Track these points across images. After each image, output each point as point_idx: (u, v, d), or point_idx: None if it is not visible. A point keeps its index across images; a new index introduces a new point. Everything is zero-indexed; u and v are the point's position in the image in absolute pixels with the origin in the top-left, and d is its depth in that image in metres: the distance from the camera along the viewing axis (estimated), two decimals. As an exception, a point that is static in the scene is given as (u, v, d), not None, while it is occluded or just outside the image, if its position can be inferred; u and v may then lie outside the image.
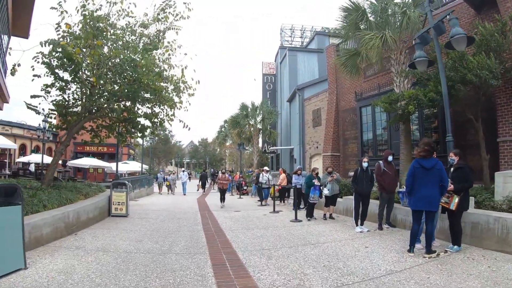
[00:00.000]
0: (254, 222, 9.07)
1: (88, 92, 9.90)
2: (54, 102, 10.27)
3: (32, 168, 20.29)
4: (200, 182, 22.80)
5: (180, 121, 10.19)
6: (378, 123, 14.99)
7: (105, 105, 9.68)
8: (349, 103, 16.98)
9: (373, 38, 10.23)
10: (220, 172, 19.09)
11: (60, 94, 10.29)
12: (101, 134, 11.44)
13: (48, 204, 6.95)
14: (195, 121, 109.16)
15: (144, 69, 8.94)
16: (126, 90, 9.24)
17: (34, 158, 17.98)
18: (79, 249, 5.67)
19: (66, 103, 10.30)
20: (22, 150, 25.78)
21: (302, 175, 12.63)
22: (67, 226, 6.80)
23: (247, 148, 27.42)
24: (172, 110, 10.56)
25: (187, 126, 10.13)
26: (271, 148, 25.35)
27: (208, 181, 30.91)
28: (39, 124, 16.81)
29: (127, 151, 30.20)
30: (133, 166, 20.80)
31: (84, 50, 8.43)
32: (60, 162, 20.26)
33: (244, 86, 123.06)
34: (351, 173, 13.54)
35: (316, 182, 9.73)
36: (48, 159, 18.01)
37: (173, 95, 10.32)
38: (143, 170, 19.81)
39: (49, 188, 8.78)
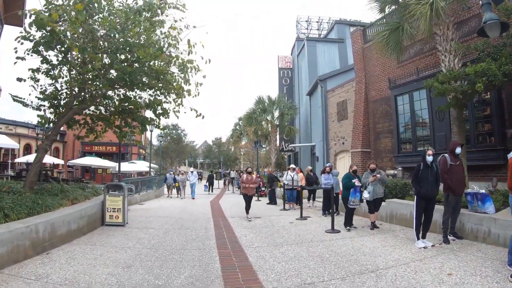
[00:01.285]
0: (281, 233, 7.17)
1: (78, 75, 8.24)
2: (42, 91, 8.68)
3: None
4: (208, 183, 23.90)
5: (191, 109, 8.39)
6: (417, 113, 12.84)
7: (98, 90, 7.96)
8: (380, 92, 14.91)
9: (421, 2, 8.30)
10: (243, 172, 15.90)
11: (52, 84, 8.71)
12: (97, 128, 9.78)
13: (11, 213, 5.24)
14: (207, 121, 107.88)
15: (138, 41, 7.19)
16: (121, 72, 7.51)
17: (33, 158, 16.55)
18: (38, 281, 3.92)
19: (59, 93, 8.68)
20: (27, 150, 24.58)
21: (333, 173, 10.65)
22: (35, 243, 5.06)
23: (264, 146, 25.53)
24: (180, 98, 8.80)
25: (200, 114, 8.33)
26: (291, 145, 23.30)
27: (225, 183, 29.31)
28: (38, 121, 15.32)
29: (137, 151, 28.71)
30: (141, 166, 19.14)
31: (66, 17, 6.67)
32: (54, 162, 19.02)
33: (244, 84, 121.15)
34: (392, 172, 11.48)
35: (356, 182, 7.75)
36: (48, 159, 16.55)
37: (179, 80, 8.54)
38: (151, 170, 18.09)
39: (28, 191, 7.13)
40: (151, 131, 18.00)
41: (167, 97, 8.97)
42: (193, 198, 16.33)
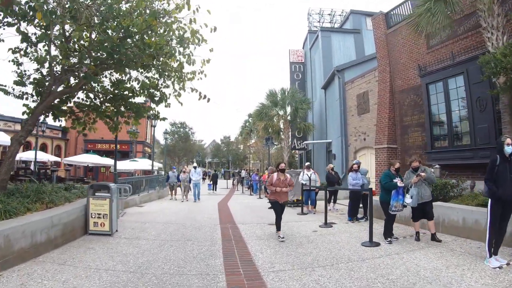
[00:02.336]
0: (307, 248, 5.61)
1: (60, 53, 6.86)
2: (20, 74, 7.38)
3: (33, 167, 17.72)
4: (212, 182, 23.41)
5: (192, 89, 6.94)
6: (454, 103, 11.17)
7: (80, 66, 6.52)
8: (408, 81, 13.28)
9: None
10: (270, 170, 13.33)
11: (37, 69, 7.37)
12: (86, 119, 8.38)
13: None
14: (214, 118, 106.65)
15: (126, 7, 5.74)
16: (107, 46, 6.07)
17: (26, 155, 15.35)
18: None
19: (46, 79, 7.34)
20: (27, 148, 23.46)
21: (361, 172, 9.07)
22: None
23: (275, 143, 23.95)
24: (182, 82, 7.35)
25: (204, 96, 6.86)
26: (305, 142, 21.62)
27: (234, 183, 27.83)
28: (23, 112, 13.99)
29: (142, 149, 27.40)
30: (143, 164, 17.68)
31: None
32: (50, 160, 17.69)
33: (247, 77, 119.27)
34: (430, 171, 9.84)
35: (399, 182, 6.17)
36: (41, 156, 15.27)
37: (180, 58, 7.08)
38: (153, 168, 16.63)
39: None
40: (154, 126, 16.56)
41: (166, 79, 7.52)
42: (195, 201, 13.85)
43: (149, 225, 7.78)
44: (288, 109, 22.23)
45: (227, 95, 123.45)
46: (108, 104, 7.99)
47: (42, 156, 15.67)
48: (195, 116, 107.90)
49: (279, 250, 5.37)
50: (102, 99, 7.97)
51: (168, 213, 10.01)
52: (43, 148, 24.74)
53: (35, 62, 7.29)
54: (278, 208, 6.65)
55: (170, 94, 7.68)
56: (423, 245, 5.89)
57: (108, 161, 16.79)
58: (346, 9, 31.54)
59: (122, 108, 7.91)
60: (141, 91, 7.63)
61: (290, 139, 22.69)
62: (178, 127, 41.60)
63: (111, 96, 7.61)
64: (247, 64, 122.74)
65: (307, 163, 10.72)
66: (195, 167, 14.21)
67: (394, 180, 6.22)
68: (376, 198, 9.91)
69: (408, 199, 6.20)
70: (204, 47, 7.12)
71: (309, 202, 10.47)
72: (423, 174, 6.26)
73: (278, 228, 6.53)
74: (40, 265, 4.38)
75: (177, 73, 7.36)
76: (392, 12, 14.37)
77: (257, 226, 7.78)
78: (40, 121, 14.81)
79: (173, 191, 14.76)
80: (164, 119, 8.62)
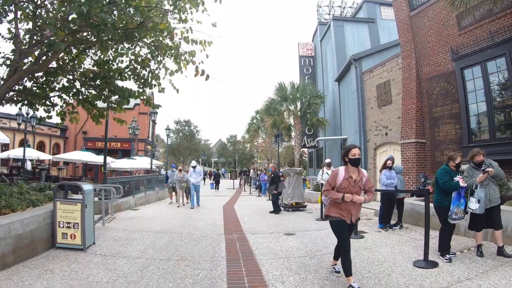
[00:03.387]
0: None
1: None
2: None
3: (28, 166, 16.43)
4: (214, 181, 22.86)
5: (188, 62, 5.49)
6: (494, 89, 9.61)
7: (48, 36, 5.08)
8: (437, 67, 11.73)
9: None
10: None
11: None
12: (68, 108, 6.95)
13: None
14: (223, 118, 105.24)
15: None
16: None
17: (15, 153, 14.01)
18: None
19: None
20: (23, 146, 22.26)
21: (396, 169, 7.52)
22: None
23: (286, 140, 22.39)
24: (179, 61, 5.92)
25: (202, 72, 5.40)
26: (318, 139, 19.96)
27: (241, 183, 26.36)
28: (20, 109, 12.62)
29: (144, 147, 26.02)
30: (141, 162, 16.21)
31: None
32: (40, 157, 16.32)
33: (253, 75, 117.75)
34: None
35: (461, 181, 4.62)
36: (31, 154, 13.94)
37: (175, 25, 5.65)
38: (152, 167, 15.18)
39: None
40: (153, 121, 15.13)
41: (159, 56, 6.07)
42: (193, 207, 11.19)
43: (138, 235, 6.33)
44: (299, 104, 20.65)
45: (233, 92, 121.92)
46: (87, 86, 6.56)
47: (31, 154, 14.35)
48: (201, 115, 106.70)
49: (307, 277, 3.86)
50: (82, 81, 6.54)
51: (164, 218, 8.56)
52: (41, 147, 23.56)
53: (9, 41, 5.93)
54: (344, 232, 3.67)
55: (164, 77, 6.28)
56: (494, 263, 4.41)
57: (98, 158, 15.30)
58: (357, 0, 29.84)
59: (106, 93, 6.48)
60: (129, 74, 6.23)
61: (300, 136, 21.08)
62: (182, 125, 40.18)
63: (91, 76, 6.17)
64: (253, 59, 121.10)
65: (327, 160, 9.15)
66: (194, 167, 11.76)
67: (455, 178, 4.69)
68: (410, 201, 8.36)
69: (473, 204, 4.66)
70: (206, 22, 5.68)
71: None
72: (490, 170, 4.72)
73: (347, 272, 3.51)
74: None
75: (172, 51, 5.92)
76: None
77: (271, 237, 6.27)
78: (30, 115, 13.50)
79: (175, 193, 12.42)
80: (157, 106, 7.18)
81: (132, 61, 6.16)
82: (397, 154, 13.41)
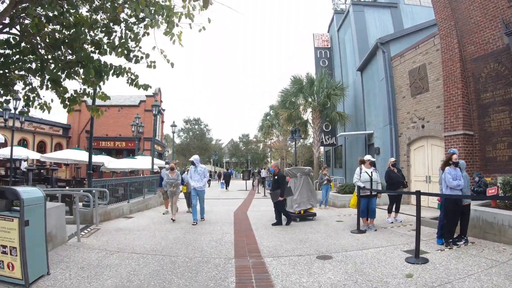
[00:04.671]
0: None
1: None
2: None
3: (23, 166, 15.02)
4: (224, 181, 22.70)
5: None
6: None
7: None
8: (484, 45, 9.86)
9: None
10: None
11: None
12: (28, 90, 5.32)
13: None
14: (234, 118, 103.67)
15: None
16: None
17: (3, 152, 12.53)
18: None
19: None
20: (23, 146, 21.03)
21: (461, 166, 5.63)
22: None
23: (302, 137, 20.50)
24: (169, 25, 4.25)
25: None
26: (341, 134, 17.92)
27: (254, 183, 24.63)
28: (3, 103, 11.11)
29: (150, 146, 24.52)
30: (143, 162, 14.57)
31: None
32: (30, 157, 14.85)
33: (265, 69, 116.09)
34: None
35: None
36: (19, 153, 12.47)
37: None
38: (155, 167, 13.48)
39: None
40: (155, 115, 13.43)
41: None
42: (195, 223, 7.78)
43: (116, 258, 4.64)
44: (317, 97, 18.71)
45: (245, 88, 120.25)
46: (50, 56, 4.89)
47: (20, 153, 12.89)
48: (213, 116, 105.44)
49: None
50: (45, 48, 4.88)
51: (159, 230, 6.87)
52: (41, 147, 22.34)
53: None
54: None
55: (154, 47, 4.63)
56: None
57: (103, 159, 13.80)
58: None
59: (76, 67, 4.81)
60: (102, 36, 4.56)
61: (319, 133, 19.14)
62: (192, 123, 38.55)
63: (49, 36, 4.50)
64: (266, 53, 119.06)
65: (366, 156, 7.17)
66: (194, 163, 8.23)
67: None
68: (473, 207, 6.47)
69: None
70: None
71: (368, 213, 7.06)
72: None
73: None
74: None
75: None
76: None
77: (301, 264, 4.47)
78: (12, 111, 12.02)
79: (171, 200, 8.71)
80: (146, 87, 5.48)
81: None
82: (436, 150, 11.45)
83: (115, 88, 14.19)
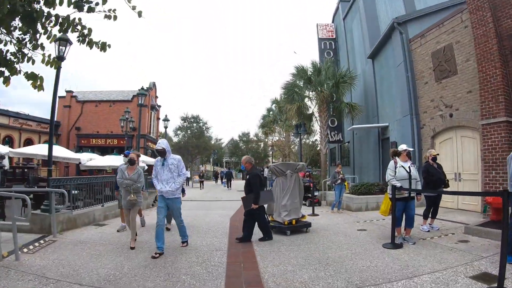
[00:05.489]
0: None
1: None
2: None
3: (6, 162, 13.33)
4: (226, 179, 23.04)
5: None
6: None
7: None
8: (527, 18, 8.20)
9: None
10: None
11: None
12: None
13: None
14: (235, 116, 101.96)
15: None
16: None
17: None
18: None
19: None
20: (8, 144, 19.52)
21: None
22: None
23: (307, 132, 18.78)
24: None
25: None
26: (353, 127, 16.15)
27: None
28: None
29: (144, 143, 22.91)
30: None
31: None
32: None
33: (266, 63, 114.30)
34: None
35: None
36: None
37: None
38: (141, 164, 11.89)
39: None
40: (140, 105, 11.76)
41: None
42: (158, 255, 4.69)
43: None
44: (325, 86, 16.94)
45: (245, 84, 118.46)
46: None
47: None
48: (214, 116, 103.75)
49: None
50: None
51: (126, 246, 5.22)
52: (29, 144, 20.77)
53: None
54: None
55: None
56: None
57: (70, 155, 11.89)
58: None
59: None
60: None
61: (326, 128, 17.43)
62: (190, 121, 36.83)
63: None
64: (268, 45, 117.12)
65: (402, 146, 5.35)
66: (160, 152, 5.16)
67: None
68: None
69: None
70: None
71: (406, 221, 5.41)
72: None
73: None
74: None
75: None
76: None
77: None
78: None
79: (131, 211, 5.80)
80: (103, 45, 3.86)
81: None
82: (467, 142, 9.80)
83: (107, 84, 12.63)
